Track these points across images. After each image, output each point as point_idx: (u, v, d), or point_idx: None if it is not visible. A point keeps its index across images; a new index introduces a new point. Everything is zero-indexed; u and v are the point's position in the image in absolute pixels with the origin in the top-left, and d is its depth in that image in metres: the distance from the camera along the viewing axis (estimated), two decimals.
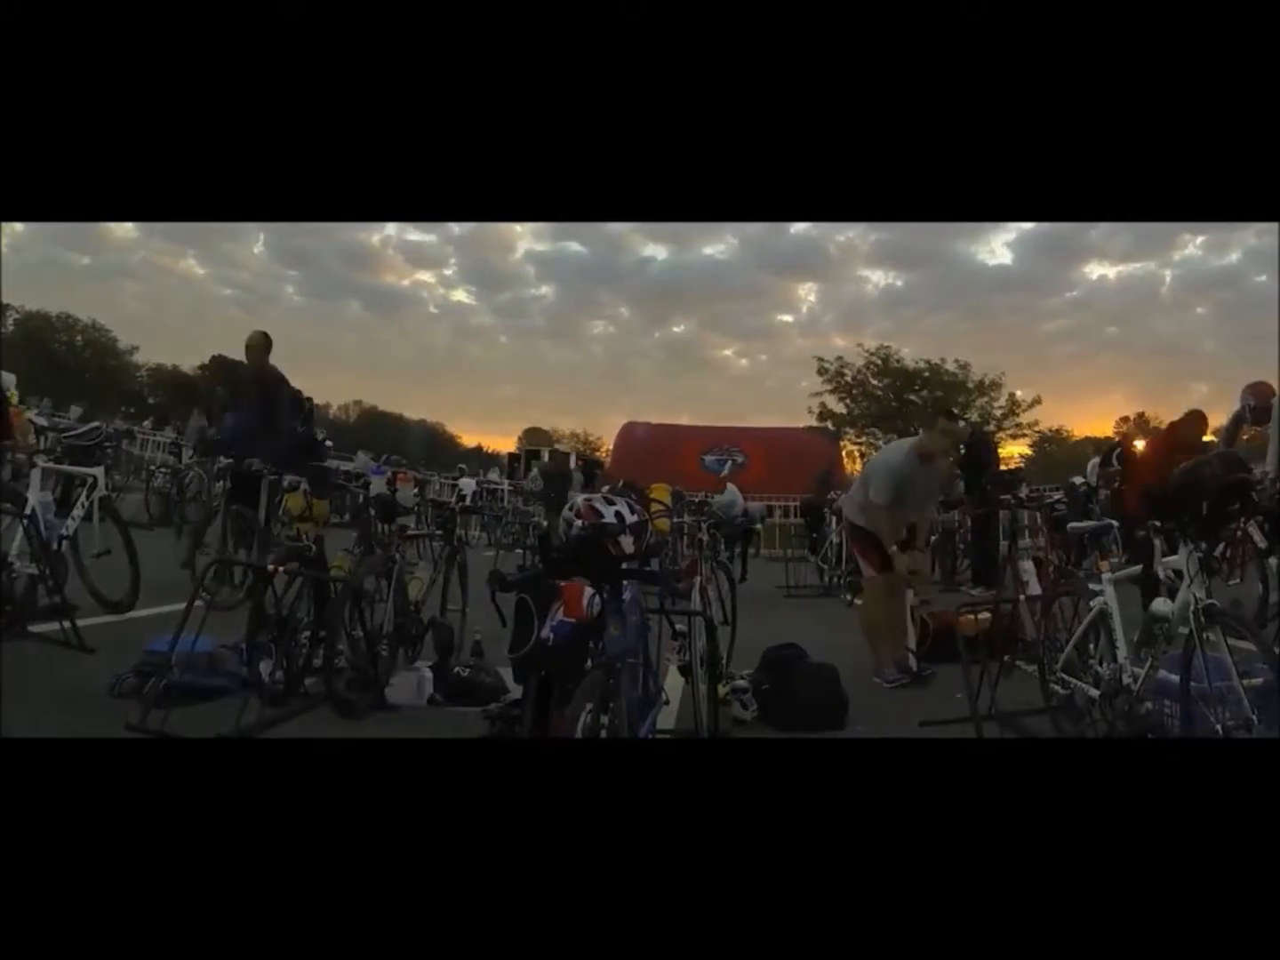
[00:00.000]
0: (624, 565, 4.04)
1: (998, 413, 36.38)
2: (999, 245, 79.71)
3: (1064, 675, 5.04)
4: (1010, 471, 13.90)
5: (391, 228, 78.02)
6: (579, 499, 4.39)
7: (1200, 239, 74.23)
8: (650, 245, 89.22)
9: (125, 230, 73.57)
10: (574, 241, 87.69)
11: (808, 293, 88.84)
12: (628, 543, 4.08)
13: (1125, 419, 55.53)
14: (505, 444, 55.59)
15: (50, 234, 62.92)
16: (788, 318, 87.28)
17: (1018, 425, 36.35)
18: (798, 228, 75.05)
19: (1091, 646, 5.05)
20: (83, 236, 71.18)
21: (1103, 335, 79.89)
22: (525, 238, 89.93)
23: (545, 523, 11.28)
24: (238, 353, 9.28)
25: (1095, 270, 79.62)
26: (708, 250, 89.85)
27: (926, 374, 37.25)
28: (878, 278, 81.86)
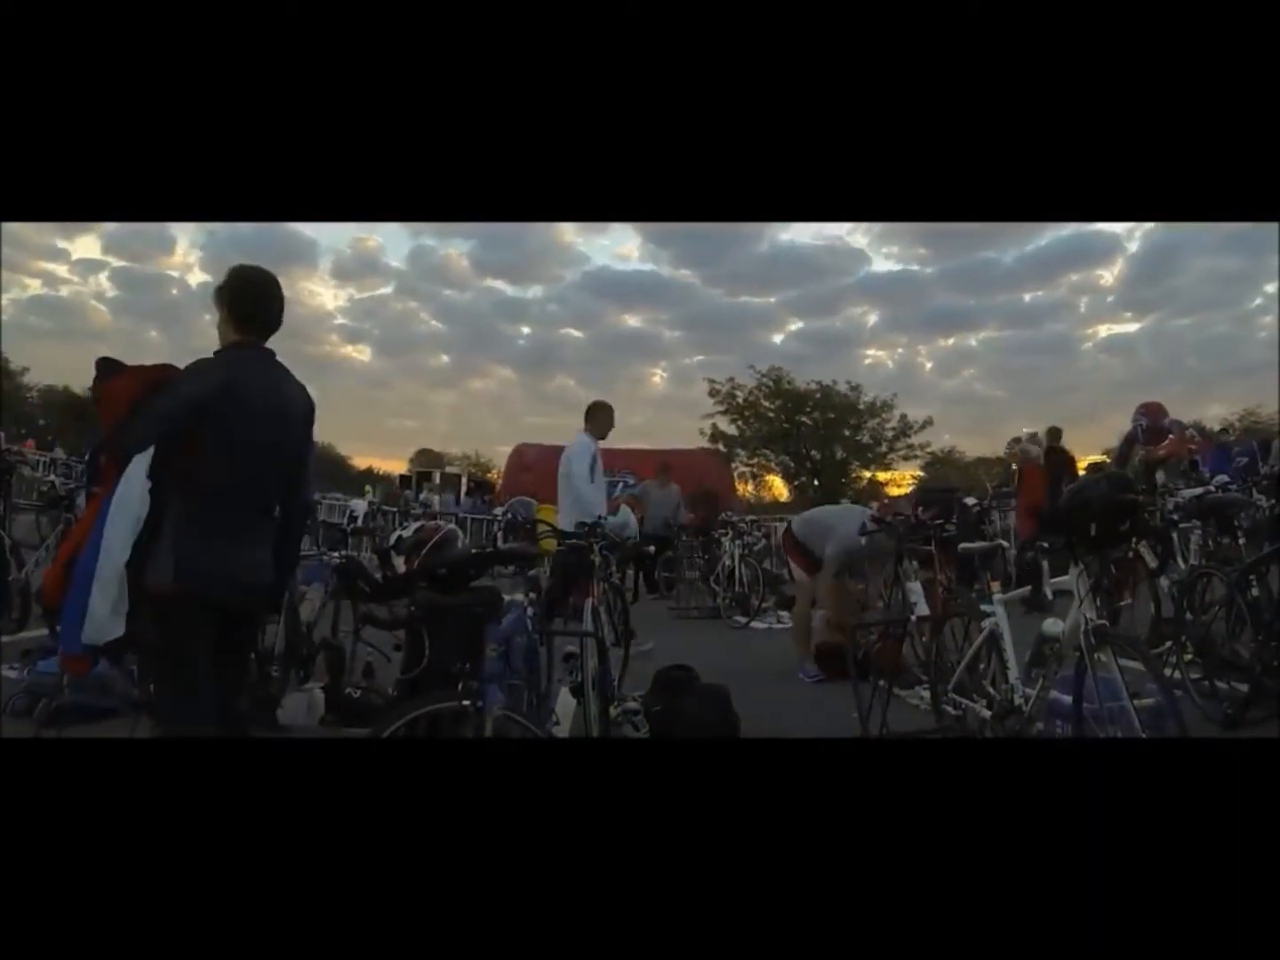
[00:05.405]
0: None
1: (889, 434, 36.89)
2: (785, 338, 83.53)
3: (956, 696, 5.03)
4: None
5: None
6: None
7: (951, 340, 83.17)
8: (517, 325, 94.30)
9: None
10: (442, 323, 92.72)
11: (652, 373, 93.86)
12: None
13: (1017, 439, 56.99)
14: (396, 465, 56.00)
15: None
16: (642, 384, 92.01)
17: (909, 446, 36.89)
18: (634, 321, 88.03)
19: (983, 667, 5.05)
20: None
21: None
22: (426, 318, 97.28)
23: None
24: None
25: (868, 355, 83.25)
26: (565, 330, 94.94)
27: (818, 395, 37.56)
28: (699, 360, 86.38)
